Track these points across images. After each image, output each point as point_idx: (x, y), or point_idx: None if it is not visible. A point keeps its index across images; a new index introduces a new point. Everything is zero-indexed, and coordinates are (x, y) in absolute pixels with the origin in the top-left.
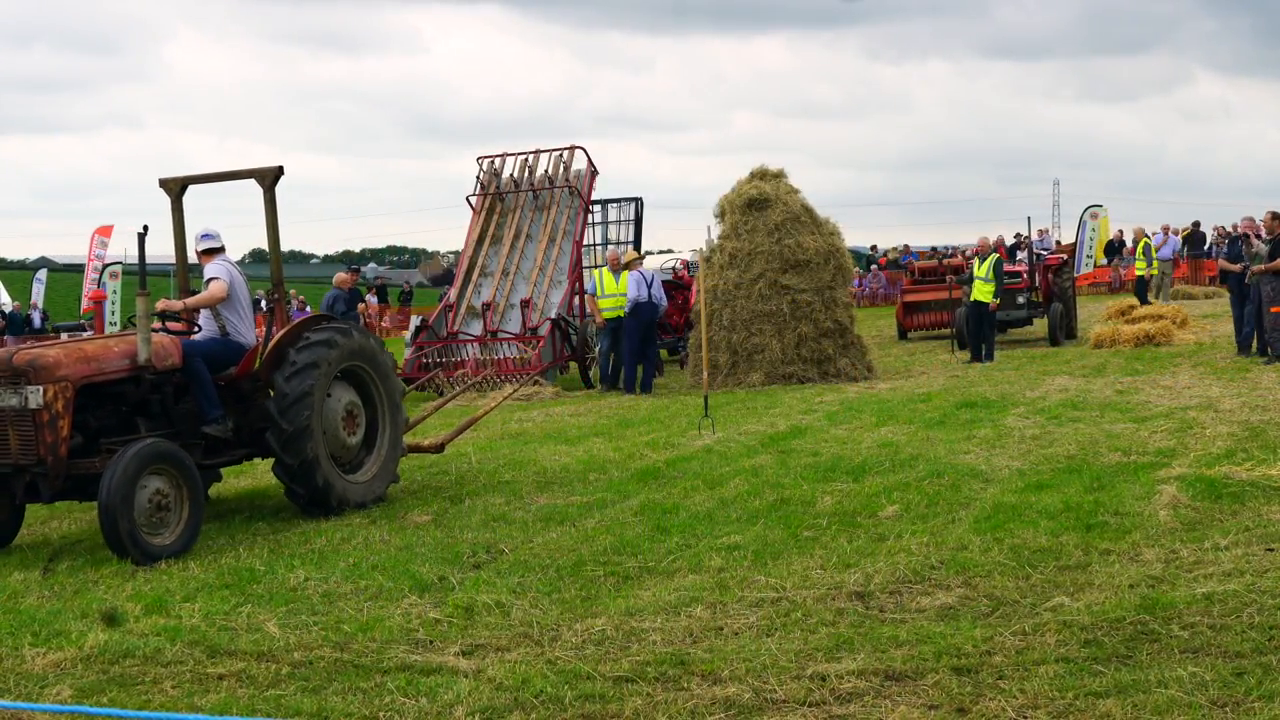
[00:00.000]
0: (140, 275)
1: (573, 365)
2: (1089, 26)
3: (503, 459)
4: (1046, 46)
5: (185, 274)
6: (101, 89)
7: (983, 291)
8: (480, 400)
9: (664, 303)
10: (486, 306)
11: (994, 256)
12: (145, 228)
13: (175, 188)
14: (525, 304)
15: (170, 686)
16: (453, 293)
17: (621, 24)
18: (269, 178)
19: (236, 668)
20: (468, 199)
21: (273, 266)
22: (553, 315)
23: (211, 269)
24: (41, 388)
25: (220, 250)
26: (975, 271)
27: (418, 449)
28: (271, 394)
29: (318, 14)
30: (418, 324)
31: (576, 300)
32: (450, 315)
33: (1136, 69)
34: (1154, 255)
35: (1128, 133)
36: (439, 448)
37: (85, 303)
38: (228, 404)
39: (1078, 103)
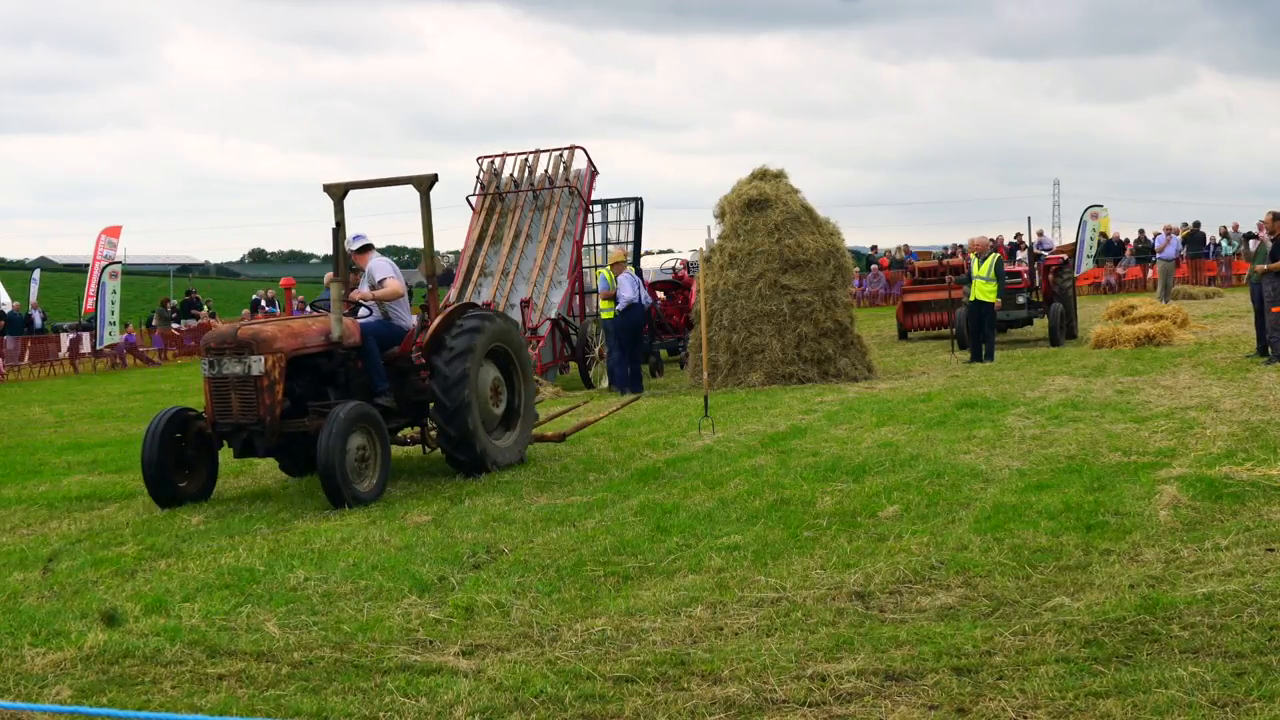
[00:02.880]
0: (335, 265)
1: (573, 365)
2: (1092, 26)
3: None
4: (1049, 46)
5: (346, 268)
6: (102, 89)
7: (984, 291)
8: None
9: (648, 302)
10: (486, 306)
11: (994, 256)
12: (337, 223)
13: (338, 192)
14: (525, 304)
15: (170, 686)
16: (453, 293)
17: (623, 23)
18: (425, 184)
19: (236, 668)
20: (468, 199)
21: (426, 263)
22: (553, 315)
23: (381, 269)
24: (262, 357)
25: (371, 246)
26: (975, 271)
27: (542, 438)
28: (433, 377)
29: (318, 14)
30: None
31: (576, 300)
32: None
33: (1139, 69)
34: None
35: (1130, 132)
36: (561, 438)
37: (88, 302)
38: (390, 378)
39: (1079, 102)
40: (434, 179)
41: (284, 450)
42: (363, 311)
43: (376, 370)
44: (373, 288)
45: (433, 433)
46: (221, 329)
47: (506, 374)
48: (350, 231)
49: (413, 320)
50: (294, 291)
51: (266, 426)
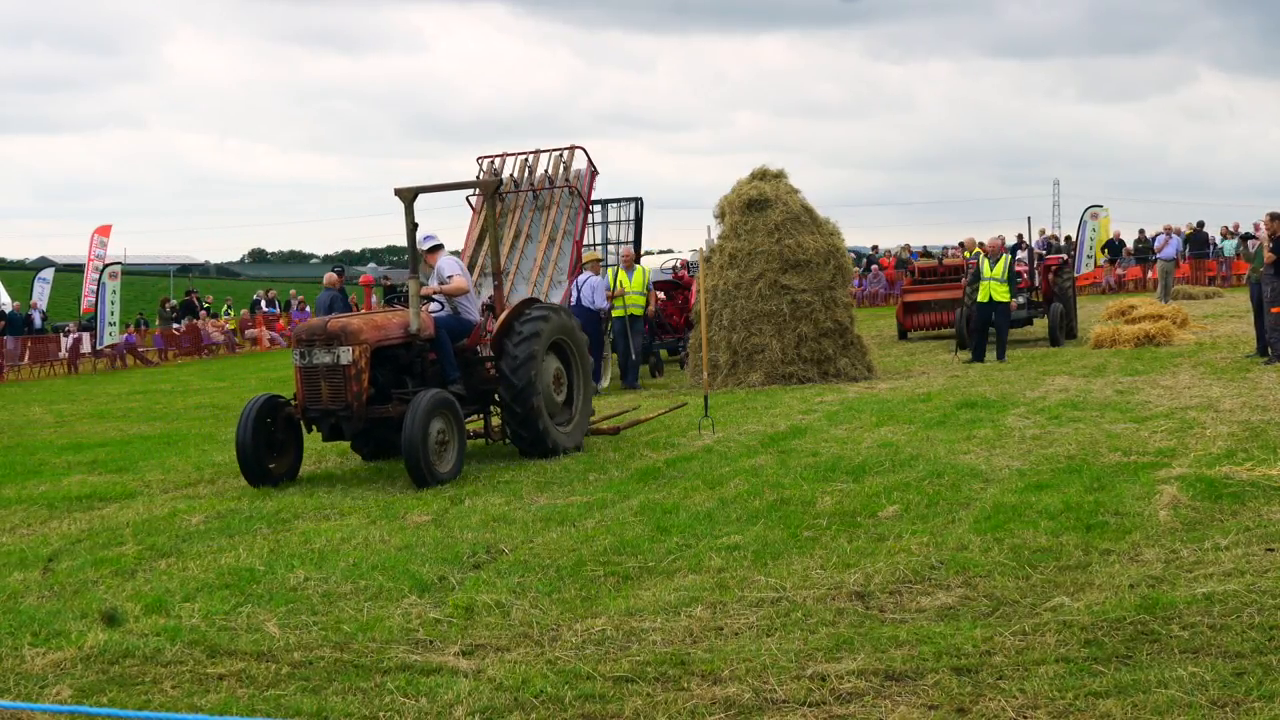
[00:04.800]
0: (411, 263)
1: None
2: (1093, 26)
3: (503, 459)
4: (1050, 46)
5: (417, 267)
6: (102, 89)
7: (999, 291)
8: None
9: (599, 306)
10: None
11: (1006, 257)
12: (415, 225)
13: (409, 196)
14: None
15: (170, 686)
16: None
17: (623, 23)
18: (490, 189)
19: (236, 668)
20: (467, 199)
21: (492, 262)
22: None
23: (449, 266)
24: (350, 348)
25: (442, 247)
26: (987, 273)
27: (597, 431)
28: (501, 358)
29: (318, 13)
30: None
31: None
32: None
33: (1140, 68)
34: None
35: (1130, 132)
36: (615, 431)
37: (85, 302)
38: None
39: (1080, 102)
40: (499, 184)
41: (367, 436)
42: (434, 306)
43: (449, 360)
44: (441, 284)
45: (497, 420)
46: (312, 322)
47: (566, 365)
48: (420, 233)
49: (478, 315)
50: (372, 290)
51: (354, 412)
